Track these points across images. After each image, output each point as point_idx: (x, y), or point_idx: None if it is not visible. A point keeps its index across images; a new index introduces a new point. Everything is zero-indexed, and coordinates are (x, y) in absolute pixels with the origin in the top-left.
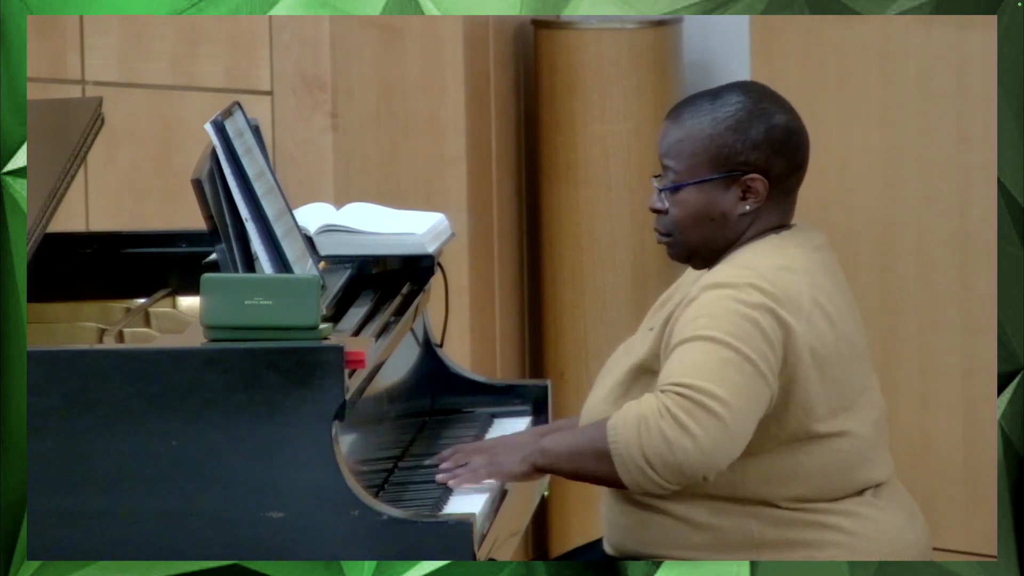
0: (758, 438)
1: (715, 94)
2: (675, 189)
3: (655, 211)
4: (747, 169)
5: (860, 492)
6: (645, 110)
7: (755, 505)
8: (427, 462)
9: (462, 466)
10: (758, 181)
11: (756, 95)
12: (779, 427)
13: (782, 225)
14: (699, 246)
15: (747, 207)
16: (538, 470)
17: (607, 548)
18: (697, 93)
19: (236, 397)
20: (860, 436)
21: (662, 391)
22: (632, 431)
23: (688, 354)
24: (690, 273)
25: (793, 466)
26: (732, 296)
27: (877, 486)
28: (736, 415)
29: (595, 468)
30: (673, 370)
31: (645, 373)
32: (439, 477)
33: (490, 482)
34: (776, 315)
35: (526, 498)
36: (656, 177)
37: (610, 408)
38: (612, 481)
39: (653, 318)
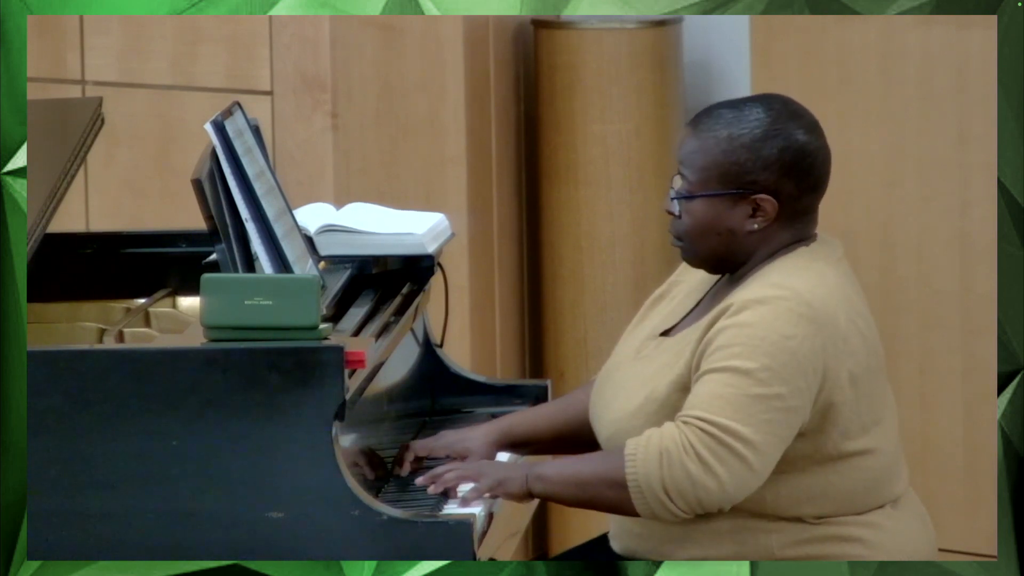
0: (791, 458)
1: (738, 107)
2: (686, 199)
3: (669, 213)
4: (756, 188)
5: (881, 505)
6: (645, 110)
7: (780, 521)
8: (418, 481)
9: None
10: (767, 202)
11: (777, 112)
12: (814, 447)
13: (805, 237)
14: (709, 256)
15: (755, 225)
16: (533, 496)
17: (616, 548)
18: (722, 102)
19: (236, 397)
20: (886, 452)
21: (685, 422)
22: (653, 463)
23: (717, 387)
24: (685, 269)
25: (824, 485)
26: (769, 323)
27: (896, 500)
28: (760, 455)
29: (604, 496)
30: (700, 402)
31: (684, 390)
32: (431, 489)
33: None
34: (815, 341)
35: None
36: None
37: (643, 423)
38: (622, 509)
39: (652, 311)
